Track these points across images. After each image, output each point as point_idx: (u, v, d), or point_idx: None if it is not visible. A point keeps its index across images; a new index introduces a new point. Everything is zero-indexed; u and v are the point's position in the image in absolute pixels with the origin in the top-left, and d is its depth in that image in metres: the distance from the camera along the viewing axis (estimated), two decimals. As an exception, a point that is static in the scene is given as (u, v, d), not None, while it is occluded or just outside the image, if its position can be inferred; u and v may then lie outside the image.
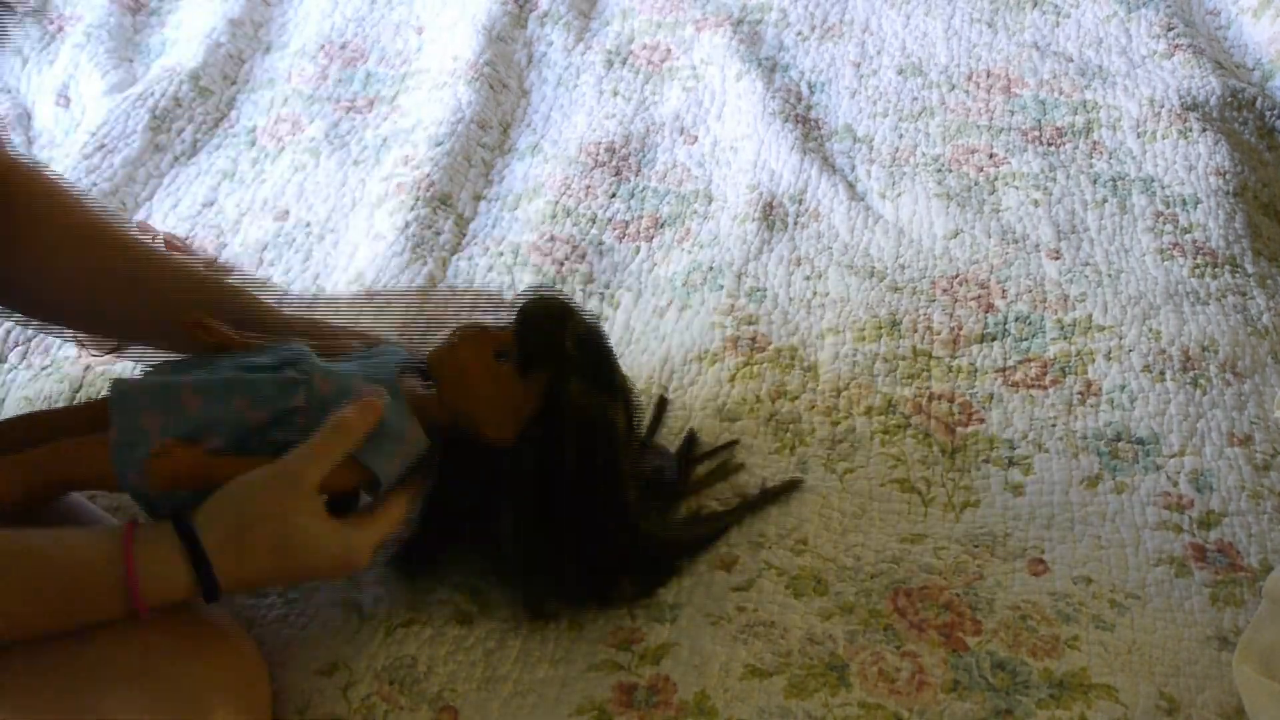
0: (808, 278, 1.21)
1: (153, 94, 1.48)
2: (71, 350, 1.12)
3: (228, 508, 0.75)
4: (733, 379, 1.08)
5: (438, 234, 1.29)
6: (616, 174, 1.38)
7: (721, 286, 1.20)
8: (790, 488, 0.97)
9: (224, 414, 0.80)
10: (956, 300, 1.17)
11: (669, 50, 1.59)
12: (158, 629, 0.74)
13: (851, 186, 1.35)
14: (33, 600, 0.71)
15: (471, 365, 0.83)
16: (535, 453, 0.83)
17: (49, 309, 0.94)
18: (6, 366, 1.14)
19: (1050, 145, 1.39)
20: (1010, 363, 1.10)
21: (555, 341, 0.83)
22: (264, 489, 0.76)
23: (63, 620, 0.73)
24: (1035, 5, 1.64)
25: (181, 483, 0.78)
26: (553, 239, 1.28)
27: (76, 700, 0.70)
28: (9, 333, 1.16)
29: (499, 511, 0.85)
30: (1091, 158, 1.36)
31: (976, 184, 1.33)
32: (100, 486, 0.83)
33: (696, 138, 1.44)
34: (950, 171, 1.35)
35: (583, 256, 1.26)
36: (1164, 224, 1.26)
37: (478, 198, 1.37)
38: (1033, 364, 1.09)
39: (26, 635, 0.73)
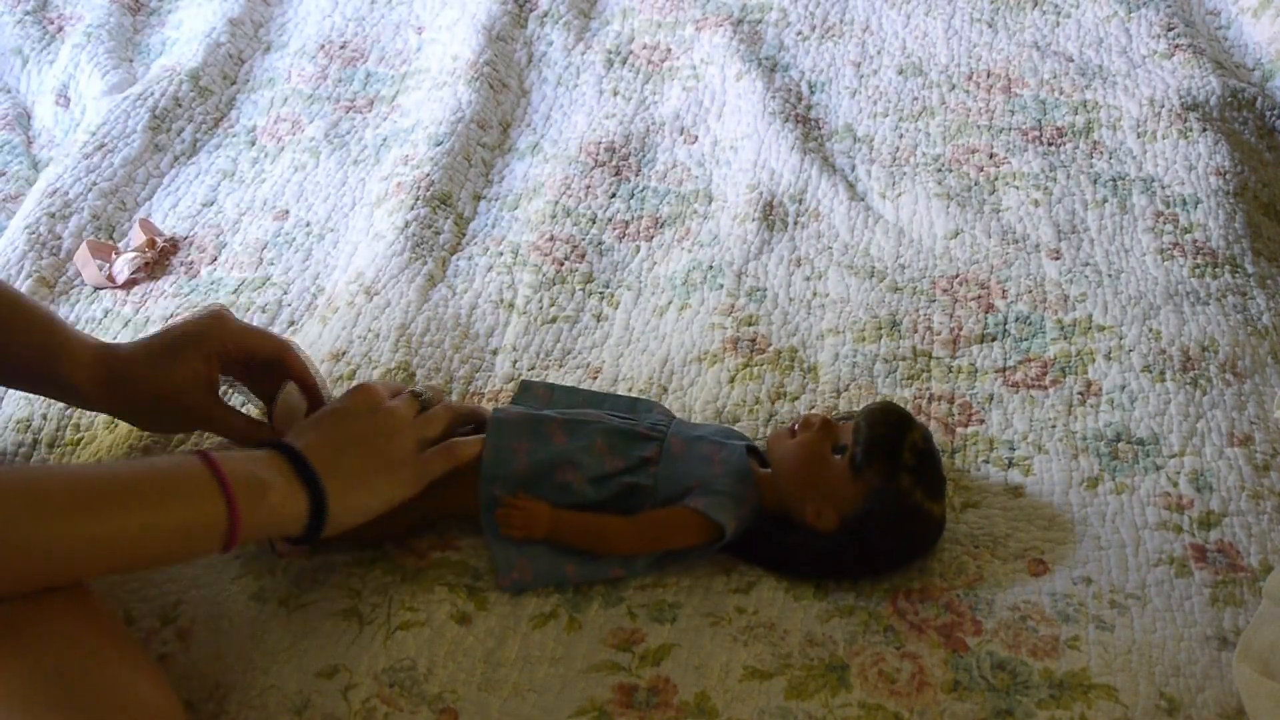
0: (808, 278, 1.21)
1: (152, 94, 1.48)
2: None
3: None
4: (732, 380, 1.08)
5: (437, 234, 1.29)
6: (616, 173, 1.38)
7: (721, 286, 1.20)
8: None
9: (585, 452, 0.90)
10: (956, 300, 1.17)
11: (669, 50, 1.59)
12: (74, 670, 0.70)
13: (851, 186, 1.35)
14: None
15: (809, 453, 0.89)
16: (854, 547, 0.88)
17: None
18: None
19: (1050, 145, 1.38)
20: (1010, 363, 1.10)
21: (894, 443, 0.87)
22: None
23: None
24: (1035, 5, 1.64)
25: (524, 529, 0.88)
26: (553, 238, 1.28)
27: None
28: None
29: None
30: (1091, 158, 1.36)
31: (976, 184, 1.33)
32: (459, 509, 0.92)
33: (696, 137, 1.44)
34: (950, 171, 1.35)
35: (582, 256, 1.26)
36: (1164, 224, 1.26)
37: (477, 197, 1.37)
38: (1033, 364, 1.09)
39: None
